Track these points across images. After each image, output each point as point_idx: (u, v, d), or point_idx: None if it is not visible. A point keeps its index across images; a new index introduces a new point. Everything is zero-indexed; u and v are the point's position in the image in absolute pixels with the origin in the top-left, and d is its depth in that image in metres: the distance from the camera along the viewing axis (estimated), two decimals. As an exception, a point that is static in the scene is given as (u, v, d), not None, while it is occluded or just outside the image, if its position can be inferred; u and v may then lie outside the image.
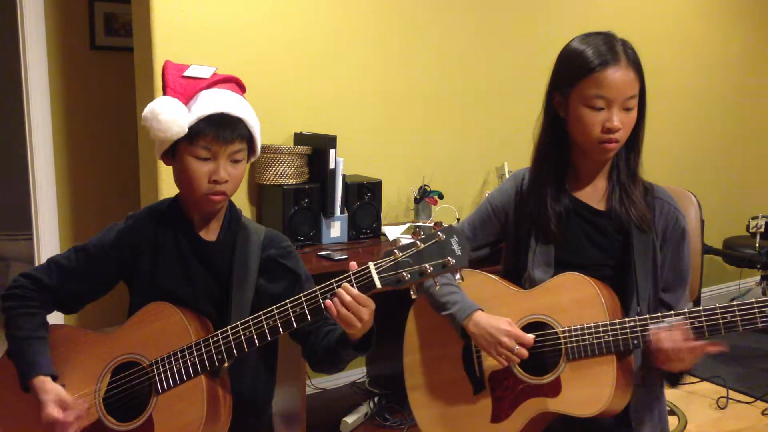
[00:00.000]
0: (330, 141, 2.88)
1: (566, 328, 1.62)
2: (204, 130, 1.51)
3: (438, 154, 3.51)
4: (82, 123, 3.62)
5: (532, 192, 1.74)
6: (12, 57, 3.56)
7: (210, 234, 1.64)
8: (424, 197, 3.27)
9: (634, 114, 1.62)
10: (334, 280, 1.42)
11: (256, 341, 1.47)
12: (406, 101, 3.40)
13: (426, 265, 1.35)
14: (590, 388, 1.59)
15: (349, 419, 2.90)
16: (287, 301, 1.45)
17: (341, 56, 3.19)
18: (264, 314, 1.46)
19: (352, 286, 1.40)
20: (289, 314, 1.44)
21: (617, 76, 1.57)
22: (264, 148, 2.83)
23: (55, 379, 1.54)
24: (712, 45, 4.64)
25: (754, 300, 1.51)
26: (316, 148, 2.93)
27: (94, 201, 3.69)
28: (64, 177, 3.56)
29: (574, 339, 1.61)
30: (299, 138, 3.05)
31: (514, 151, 3.53)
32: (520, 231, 1.77)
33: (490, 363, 1.72)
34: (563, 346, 1.62)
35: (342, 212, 2.98)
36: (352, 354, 1.55)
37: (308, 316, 1.44)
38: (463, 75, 3.55)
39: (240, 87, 1.65)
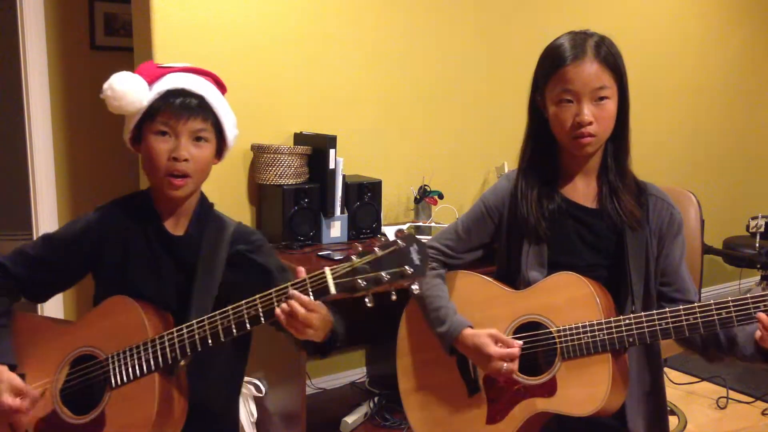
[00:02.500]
0: (330, 141, 2.89)
1: (561, 328, 1.62)
2: (162, 105, 1.52)
3: (438, 154, 3.51)
4: (82, 123, 3.61)
5: (522, 192, 1.74)
6: (12, 57, 3.56)
7: (178, 228, 1.62)
8: (424, 197, 3.27)
9: (609, 106, 1.61)
10: (289, 283, 1.38)
11: (210, 341, 1.43)
12: (406, 101, 3.40)
13: (382, 273, 1.29)
14: (586, 387, 1.58)
15: (349, 419, 2.90)
16: (242, 302, 1.41)
17: (341, 56, 3.19)
18: (219, 314, 1.43)
19: (307, 291, 1.35)
20: (243, 315, 1.41)
21: (581, 69, 1.59)
22: (264, 148, 2.84)
23: (14, 368, 1.53)
24: (712, 45, 4.64)
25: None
26: (316, 148, 2.93)
27: (94, 201, 3.62)
28: (64, 177, 3.56)
29: (568, 338, 1.60)
30: (299, 138, 3.05)
31: (514, 151, 3.49)
32: (513, 232, 1.76)
33: None
34: (558, 346, 1.62)
35: (342, 212, 2.98)
36: (315, 355, 1.54)
37: (262, 319, 1.40)
38: (463, 75, 3.55)
39: (217, 83, 1.62)
